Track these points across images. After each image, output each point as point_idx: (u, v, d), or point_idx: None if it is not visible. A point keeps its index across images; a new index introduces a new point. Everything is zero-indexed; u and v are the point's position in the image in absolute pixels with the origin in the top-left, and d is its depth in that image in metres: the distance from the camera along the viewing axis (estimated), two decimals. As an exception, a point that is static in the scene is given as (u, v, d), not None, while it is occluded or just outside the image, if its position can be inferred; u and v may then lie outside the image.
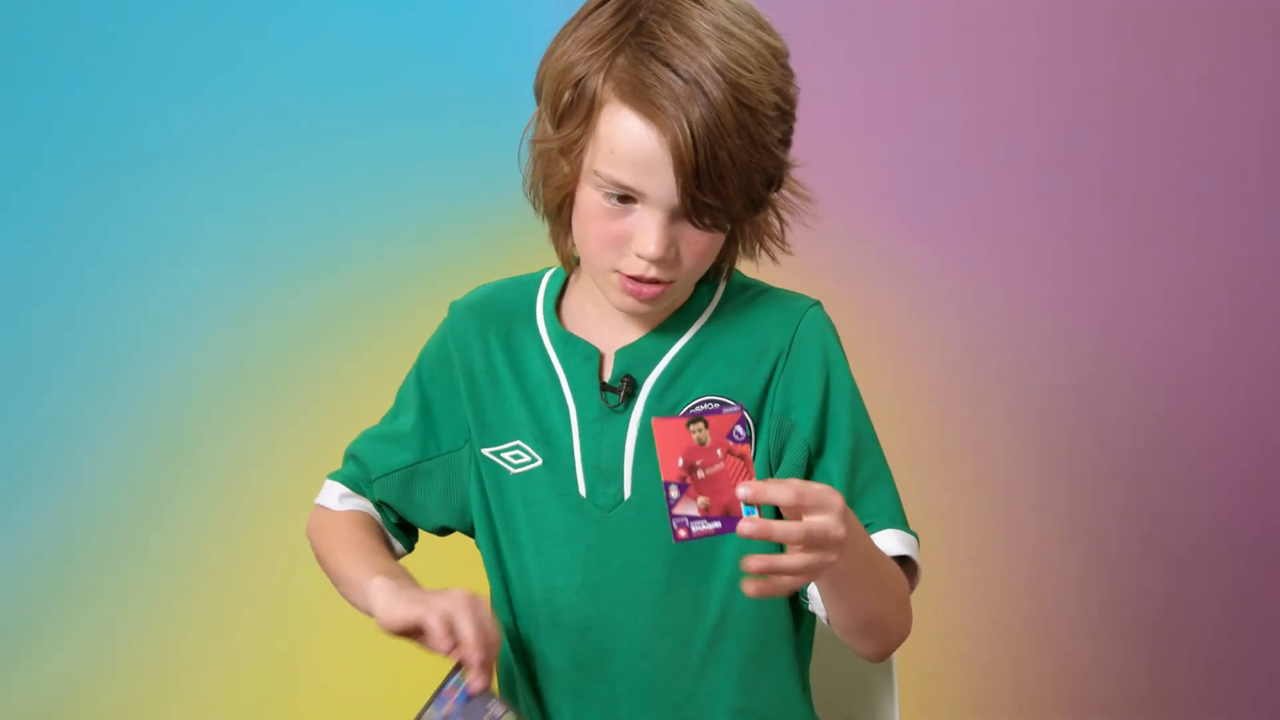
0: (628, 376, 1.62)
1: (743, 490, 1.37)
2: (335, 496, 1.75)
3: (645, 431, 1.61)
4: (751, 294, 1.66)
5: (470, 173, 2.63)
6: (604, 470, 1.61)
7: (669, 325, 1.63)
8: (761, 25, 1.52)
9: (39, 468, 2.66)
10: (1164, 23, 2.66)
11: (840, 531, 1.38)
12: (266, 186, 2.67)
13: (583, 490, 1.62)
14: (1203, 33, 2.66)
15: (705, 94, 1.46)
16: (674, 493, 1.38)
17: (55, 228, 2.66)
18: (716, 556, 1.60)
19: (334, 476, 1.77)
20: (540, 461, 1.63)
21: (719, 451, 1.39)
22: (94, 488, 2.66)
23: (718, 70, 1.46)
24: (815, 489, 1.37)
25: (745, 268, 1.67)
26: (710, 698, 1.62)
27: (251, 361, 2.68)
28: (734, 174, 1.48)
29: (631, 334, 1.63)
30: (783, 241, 1.62)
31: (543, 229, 1.64)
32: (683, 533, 1.38)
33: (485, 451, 1.66)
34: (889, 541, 1.60)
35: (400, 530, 1.75)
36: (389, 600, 1.50)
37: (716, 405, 1.58)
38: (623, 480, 1.61)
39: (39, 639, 2.65)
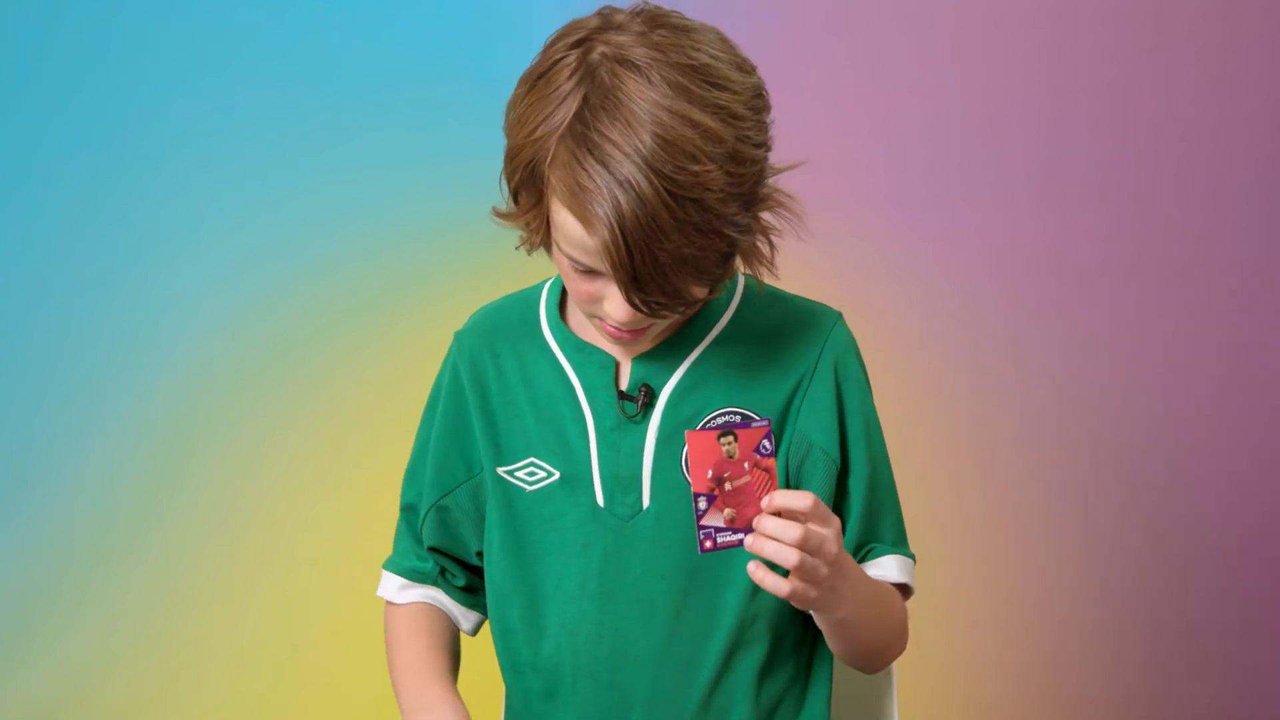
0: (645, 386, 1.60)
1: (765, 500, 1.42)
2: (395, 588, 1.71)
3: (664, 440, 1.59)
4: (769, 300, 1.64)
5: (470, 173, 2.62)
6: (622, 480, 1.60)
7: (685, 332, 1.61)
8: (714, 80, 1.44)
9: (39, 468, 2.66)
10: (1163, 23, 2.66)
11: (833, 547, 1.45)
12: (266, 186, 2.67)
13: (600, 500, 1.60)
14: (1202, 33, 2.66)
15: (638, 194, 1.39)
16: (702, 504, 1.42)
17: (55, 228, 2.66)
18: (733, 567, 1.59)
19: (388, 565, 1.72)
20: (557, 475, 1.62)
21: (746, 465, 1.43)
22: (94, 488, 2.66)
23: (651, 167, 1.39)
24: (824, 506, 1.45)
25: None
26: (723, 709, 1.61)
27: (251, 361, 2.68)
28: (678, 269, 1.43)
29: (646, 341, 1.60)
30: (772, 264, 1.55)
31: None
32: (708, 543, 1.44)
33: (500, 471, 1.64)
34: (890, 569, 1.62)
35: (466, 594, 1.71)
36: None
37: (739, 418, 1.58)
38: (641, 489, 1.60)
39: (39, 639, 2.65)
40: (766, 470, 1.43)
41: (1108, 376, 2.70)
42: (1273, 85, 2.67)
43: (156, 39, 2.64)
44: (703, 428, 1.43)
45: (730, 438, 1.42)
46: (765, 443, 1.43)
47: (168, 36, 2.64)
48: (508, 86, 1.59)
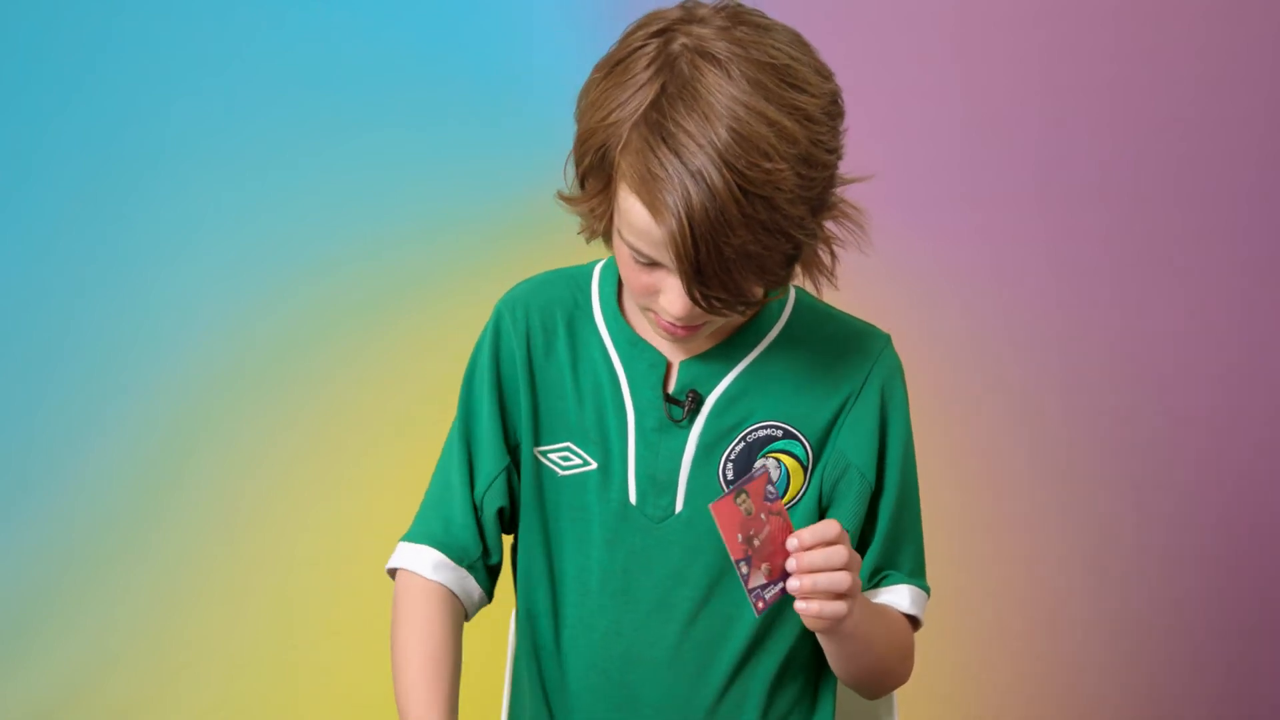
0: (693, 392, 1.59)
1: (792, 542, 1.43)
2: (430, 564, 1.61)
3: (704, 447, 1.59)
4: (820, 317, 1.64)
5: (470, 173, 2.63)
6: (658, 481, 1.59)
7: (735, 340, 1.60)
8: (793, 81, 1.44)
9: (39, 468, 2.66)
10: (1163, 23, 2.66)
11: (857, 558, 1.47)
12: (266, 186, 2.67)
13: (633, 499, 1.60)
14: (1202, 33, 2.66)
15: (709, 186, 1.39)
16: (744, 568, 1.43)
17: (55, 228, 2.66)
18: None
19: (420, 537, 1.63)
20: (594, 465, 1.60)
21: (762, 516, 1.44)
22: (94, 488, 2.66)
23: (724, 161, 1.39)
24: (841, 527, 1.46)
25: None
26: (732, 716, 1.61)
27: (251, 361, 2.68)
28: (742, 265, 1.42)
29: (699, 340, 1.59)
30: (832, 274, 1.55)
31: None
32: (760, 605, 1.45)
33: (536, 451, 1.62)
34: (902, 598, 1.62)
35: (494, 575, 1.65)
36: None
37: (780, 432, 1.59)
38: (676, 493, 1.59)
39: (39, 639, 2.66)
40: (779, 514, 1.44)
41: (1108, 376, 2.70)
42: (1273, 85, 2.67)
43: (156, 39, 2.64)
44: (726, 493, 1.44)
45: (743, 496, 1.42)
46: (770, 489, 1.44)
47: (168, 36, 2.64)
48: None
